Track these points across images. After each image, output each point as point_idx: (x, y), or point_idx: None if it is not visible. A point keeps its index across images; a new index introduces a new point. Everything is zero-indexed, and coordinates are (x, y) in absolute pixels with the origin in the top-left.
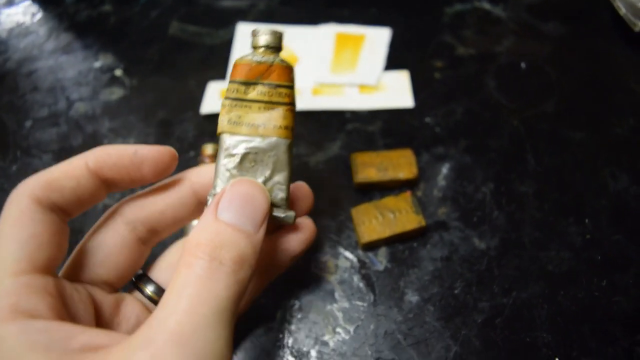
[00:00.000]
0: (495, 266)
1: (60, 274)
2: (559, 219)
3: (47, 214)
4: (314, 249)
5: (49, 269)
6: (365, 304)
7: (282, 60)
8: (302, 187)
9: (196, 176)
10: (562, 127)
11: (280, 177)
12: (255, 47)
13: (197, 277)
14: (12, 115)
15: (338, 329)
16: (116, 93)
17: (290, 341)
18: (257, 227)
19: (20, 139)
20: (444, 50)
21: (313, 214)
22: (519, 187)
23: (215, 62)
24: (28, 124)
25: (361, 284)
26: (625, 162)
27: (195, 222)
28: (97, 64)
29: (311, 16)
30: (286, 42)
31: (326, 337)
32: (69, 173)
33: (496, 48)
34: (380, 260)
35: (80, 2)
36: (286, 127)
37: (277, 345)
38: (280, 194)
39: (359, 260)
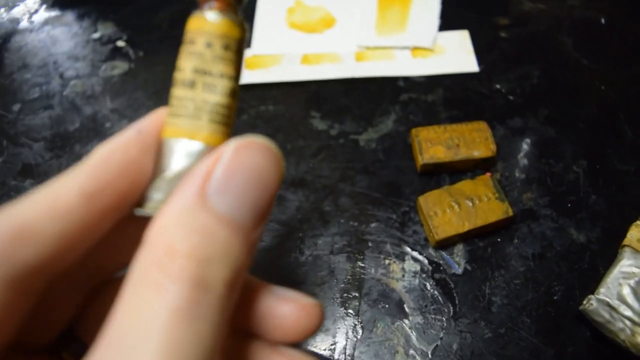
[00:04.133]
0: (601, 264)
1: None
2: None
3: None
4: (374, 249)
5: None
6: (443, 318)
7: None
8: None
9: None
10: None
11: None
12: None
13: (174, 315)
14: None
15: (411, 352)
16: (119, 67)
17: None
18: (260, 222)
19: (7, 126)
20: (507, 5)
21: (367, 205)
22: (617, 164)
23: None
24: (16, 107)
25: (436, 292)
26: None
27: None
28: (96, 35)
29: None
30: (321, 2)
31: None
32: (54, 209)
33: (568, 1)
34: (457, 261)
35: None
36: None
37: None
38: None
39: (431, 262)
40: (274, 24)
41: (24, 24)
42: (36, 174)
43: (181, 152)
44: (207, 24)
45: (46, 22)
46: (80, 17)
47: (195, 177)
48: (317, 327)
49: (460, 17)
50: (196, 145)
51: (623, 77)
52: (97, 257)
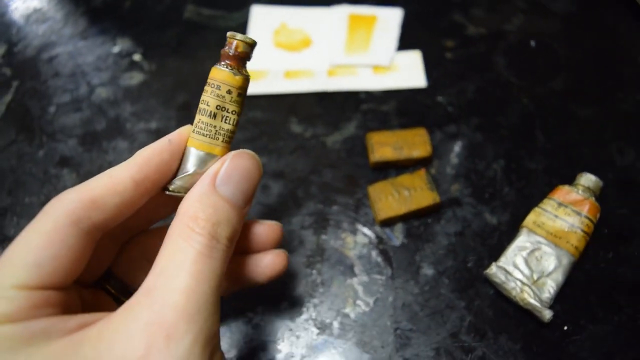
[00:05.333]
0: (506, 240)
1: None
2: None
3: (80, 236)
4: (334, 226)
5: (60, 284)
6: (383, 278)
7: (595, 201)
8: (274, 227)
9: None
10: (571, 104)
11: (554, 282)
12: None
13: (198, 254)
14: (35, 101)
15: (358, 302)
16: (136, 78)
17: (313, 314)
18: (248, 202)
19: (45, 124)
20: (454, 30)
21: (331, 192)
22: (529, 164)
23: None
24: (52, 109)
25: (379, 259)
26: (633, 136)
27: None
28: (116, 49)
29: None
30: (300, 25)
31: (347, 309)
32: (114, 189)
33: (506, 27)
34: (397, 236)
35: None
36: (576, 248)
37: (301, 317)
38: (547, 295)
39: (377, 236)
40: (262, 44)
41: (53, 37)
42: (71, 164)
43: (201, 158)
44: (230, 78)
45: (72, 36)
46: (102, 33)
47: (209, 174)
48: (280, 238)
49: (415, 39)
50: (212, 156)
51: (542, 92)
52: (131, 220)
